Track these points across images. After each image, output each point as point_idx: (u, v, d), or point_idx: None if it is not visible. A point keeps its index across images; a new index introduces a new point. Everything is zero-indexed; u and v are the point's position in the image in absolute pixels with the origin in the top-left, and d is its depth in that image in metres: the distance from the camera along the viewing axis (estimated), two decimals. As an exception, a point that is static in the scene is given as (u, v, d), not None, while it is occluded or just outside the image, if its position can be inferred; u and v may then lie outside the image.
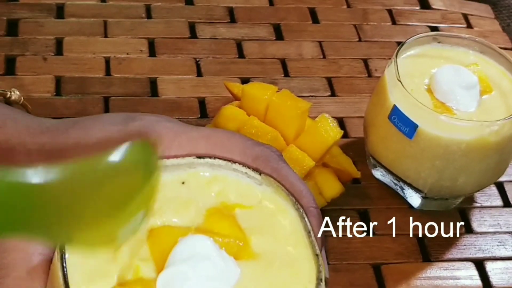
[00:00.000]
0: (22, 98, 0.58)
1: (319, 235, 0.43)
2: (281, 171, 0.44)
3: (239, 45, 0.93)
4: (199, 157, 0.43)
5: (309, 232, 0.42)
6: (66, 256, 0.38)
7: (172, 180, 0.42)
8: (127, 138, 0.41)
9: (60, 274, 0.38)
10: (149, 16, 0.95)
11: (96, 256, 0.39)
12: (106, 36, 0.91)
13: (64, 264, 0.38)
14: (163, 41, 0.92)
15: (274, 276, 0.40)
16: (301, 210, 0.42)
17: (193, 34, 0.94)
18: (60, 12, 0.93)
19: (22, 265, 0.40)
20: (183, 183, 0.42)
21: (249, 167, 0.43)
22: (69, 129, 0.44)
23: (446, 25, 1.00)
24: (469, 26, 1.00)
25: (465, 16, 1.02)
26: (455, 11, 1.02)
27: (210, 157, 0.43)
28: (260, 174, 0.43)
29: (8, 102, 0.62)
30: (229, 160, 0.43)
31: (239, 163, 0.43)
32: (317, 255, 0.41)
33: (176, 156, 0.42)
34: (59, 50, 0.89)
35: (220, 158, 0.43)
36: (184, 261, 0.38)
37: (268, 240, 0.42)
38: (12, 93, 0.60)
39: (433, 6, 1.02)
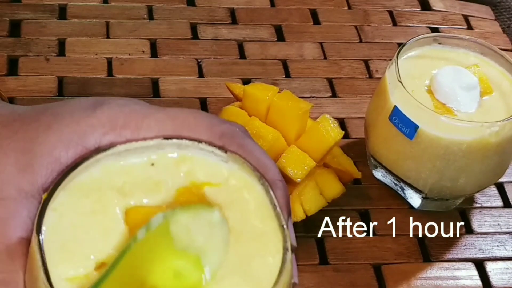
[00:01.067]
0: None
1: (286, 206, 0.44)
2: (246, 147, 0.45)
3: (240, 46, 0.93)
4: (167, 138, 0.44)
5: (275, 205, 0.43)
6: (43, 238, 0.39)
7: (142, 162, 0.43)
8: (96, 124, 0.43)
9: (38, 256, 0.38)
10: (151, 17, 0.95)
11: (75, 239, 0.40)
12: (108, 37, 0.92)
13: (42, 247, 0.39)
14: (165, 42, 0.92)
15: (243, 249, 0.42)
16: (266, 184, 0.43)
17: (195, 35, 0.94)
18: (62, 13, 0.94)
19: (2, 250, 0.41)
20: (152, 164, 0.44)
21: (215, 146, 0.44)
22: (40, 115, 0.45)
23: (447, 26, 1.00)
24: (470, 27, 1.01)
25: (466, 18, 1.02)
26: (456, 13, 1.03)
27: (177, 137, 0.44)
28: (226, 152, 0.44)
29: None
30: (195, 140, 0.44)
31: (205, 142, 0.44)
32: (282, 226, 0.42)
33: (144, 138, 0.44)
34: (61, 51, 0.89)
35: (187, 138, 0.44)
36: None
37: (236, 215, 0.43)
38: None
39: (434, 8, 1.03)
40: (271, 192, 0.43)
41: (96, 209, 0.42)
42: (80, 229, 0.41)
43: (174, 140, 0.44)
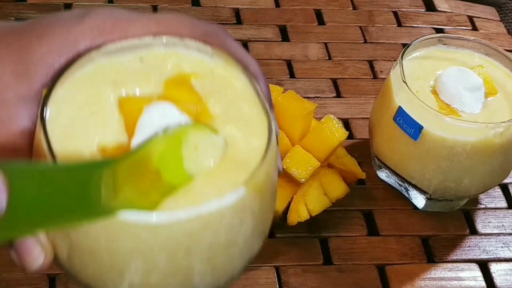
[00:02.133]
0: None
1: (268, 98, 0.47)
2: (229, 44, 0.48)
3: (245, 46, 0.93)
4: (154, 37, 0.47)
5: (259, 93, 0.46)
6: (48, 122, 0.42)
7: (131, 58, 0.47)
8: (85, 30, 0.46)
9: (44, 142, 0.41)
10: (155, 17, 0.95)
11: (75, 128, 0.43)
12: (113, 37, 0.92)
13: (46, 130, 0.41)
14: (169, 42, 0.92)
15: (232, 131, 0.44)
16: (249, 75, 0.47)
17: (200, 35, 0.94)
18: (67, 12, 0.94)
19: (8, 146, 0.44)
20: (141, 60, 0.47)
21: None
22: (31, 27, 0.47)
23: (452, 27, 1.00)
24: (474, 28, 1.01)
25: (471, 19, 1.02)
26: (461, 13, 1.03)
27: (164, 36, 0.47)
28: (210, 47, 0.47)
29: None
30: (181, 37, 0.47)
31: (191, 40, 0.47)
32: (267, 111, 0.45)
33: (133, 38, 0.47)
34: (66, 50, 0.89)
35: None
36: (151, 126, 0.43)
37: (223, 102, 0.46)
38: None
39: (439, 8, 1.03)
40: (255, 82, 0.46)
41: (91, 100, 0.44)
42: (79, 120, 0.44)
43: (161, 38, 0.47)
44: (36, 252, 0.43)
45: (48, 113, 0.43)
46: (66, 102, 0.44)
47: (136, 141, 0.42)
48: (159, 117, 0.43)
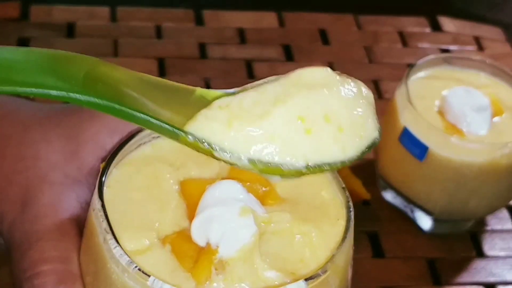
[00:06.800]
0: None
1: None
2: None
3: (249, 66, 0.93)
4: None
5: (335, 175, 0.45)
6: (101, 213, 0.39)
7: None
8: None
9: (101, 228, 0.38)
10: (159, 36, 0.95)
11: (133, 214, 0.40)
12: (116, 56, 0.91)
13: (106, 211, 0.39)
14: (172, 61, 0.92)
15: (302, 216, 0.42)
16: None
17: (203, 55, 0.94)
18: (70, 31, 0.94)
19: (55, 230, 0.42)
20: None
21: None
22: (82, 107, 0.46)
23: (457, 47, 1.00)
24: (480, 48, 1.00)
25: (476, 39, 1.02)
26: (466, 34, 1.02)
27: None
28: None
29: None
30: None
31: None
32: (343, 188, 0.44)
33: None
34: (69, 70, 0.89)
35: None
36: (213, 205, 0.39)
37: (292, 185, 0.43)
38: None
39: (444, 29, 1.02)
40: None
41: (149, 183, 0.42)
42: (137, 204, 0.41)
43: None
44: None
45: (105, 193, 0.40)
46: (122, 185, 0.41)
47: (196, 223, 0.39)
48: (222, 196, 0.40)
